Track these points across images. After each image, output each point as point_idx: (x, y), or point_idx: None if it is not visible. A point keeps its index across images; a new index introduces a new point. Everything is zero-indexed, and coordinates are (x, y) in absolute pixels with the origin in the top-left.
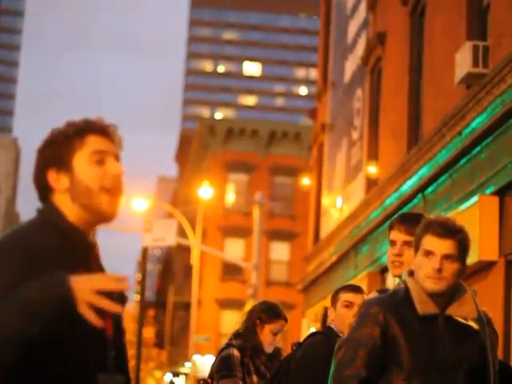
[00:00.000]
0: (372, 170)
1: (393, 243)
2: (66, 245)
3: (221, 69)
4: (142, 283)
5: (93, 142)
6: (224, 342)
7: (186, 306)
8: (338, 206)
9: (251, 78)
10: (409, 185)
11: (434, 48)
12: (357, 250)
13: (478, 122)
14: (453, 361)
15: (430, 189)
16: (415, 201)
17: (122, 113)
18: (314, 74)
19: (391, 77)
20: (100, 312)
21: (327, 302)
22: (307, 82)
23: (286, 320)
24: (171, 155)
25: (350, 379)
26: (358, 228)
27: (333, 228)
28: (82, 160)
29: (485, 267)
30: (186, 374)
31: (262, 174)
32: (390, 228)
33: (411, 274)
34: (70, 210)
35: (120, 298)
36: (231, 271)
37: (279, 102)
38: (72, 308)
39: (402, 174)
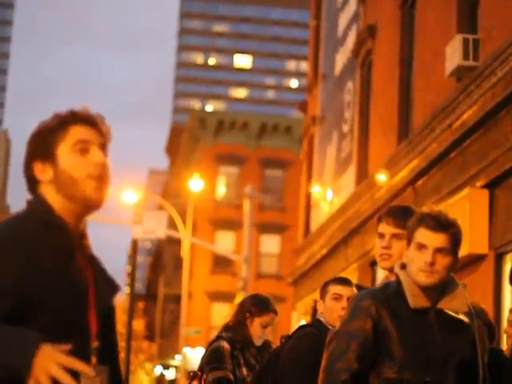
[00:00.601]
0: (362, 162)
1: (381, 236)
2: (51, 236)
3: (212, 61)
4: (132, 275)
5: (76, 132)
6: (214, 334)
7: (177, 299)
8: (328, 198)
9: (242, 70)
10: (399, 178)
11: (425, 41)
12: (347, 242)
13: (469, 115)
14: (444, 354)
15: (420, 182)
16: (405, 194)
17: (112, 105)
18: (304, 66)
19: (381, 70)
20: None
21: (317, 295)
22: (298, 74)
23: (276, 313)
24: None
25: (342, 372)
26: (348, 221)
27: (323, 221)
28: (65, 150)
29: (475, 260)
30: (176, 367)
31: (253, 167)
32: (379, 221)
33: (403, 267)
34: (55, 200)
35: (111, 287)
36: (221, 264)
37: (270, 94)
38: (22, 377)
39: (392, 167)
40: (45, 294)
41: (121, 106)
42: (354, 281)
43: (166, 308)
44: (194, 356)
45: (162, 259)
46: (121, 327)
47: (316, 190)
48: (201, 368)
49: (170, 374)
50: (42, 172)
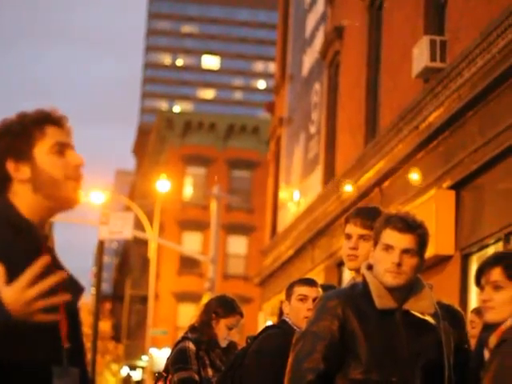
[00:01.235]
0: (329, 163)
1: (348, 237)
2: (18, 239)
3: (179, 62)
4: (98, 276)
5: (53, 133)
6: (181, 335)
7: (143, 300)
8: (295, 199)
9: (210, 71)
10: (366, 178)
11: (392, 42)
12: (314, 243)
13: (435, 117)
14: (410, 355)
15: (387, 183)
16: (372, 195)
17: (79, 105)
18: (272, 67)
19: (349, 71)
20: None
21: (284, 296)
22: (266, 75)
23: (242, 315)
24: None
25: (308, 372)
26: (315, 221)
27: (290, 222)
28: (44, 151)
29: (441, 261)
30: (142, 368)
31: (220, 168)
32: (346, 221)
33: (370, 267)
34: (29, 199)
35: (75, 289)
36: (188, 265)
37: (238, 95)
38: (23, 325)
39: (359, 168)
40: None
41: (88, 106)
42: (321, 282)
43: (132, 309)
44: (160, 357)
45: (128, 260)
46: (87, 328)
47: (285, 193)
48: (166, 369)
49: (136, 375)
50: (16, 171)
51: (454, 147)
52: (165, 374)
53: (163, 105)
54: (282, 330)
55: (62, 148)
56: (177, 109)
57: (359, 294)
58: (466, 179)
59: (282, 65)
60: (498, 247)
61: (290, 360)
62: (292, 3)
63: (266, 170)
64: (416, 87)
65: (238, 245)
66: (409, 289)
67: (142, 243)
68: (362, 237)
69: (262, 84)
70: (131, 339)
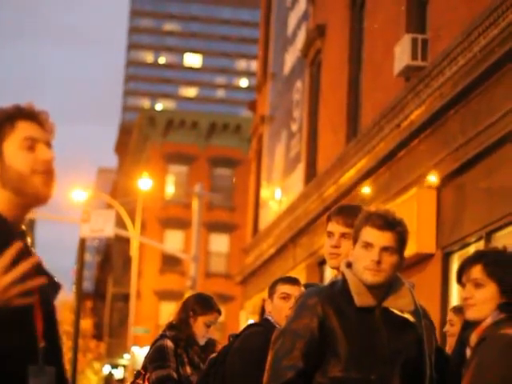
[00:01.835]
0: (311, 161)
1: (330, 235)
2: None
3: (162, 60)
4: (80, 274)
5: (23, 128)
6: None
7: (125, 298)
8: (277, 197)
9: (192, 69)
10: (347, 177)
11: (374, 41)
12: (295, 241)
13: (417, 115)
14: (390, 352)
15: (369, 181)
16: (354, 193)
17: (62, 103)
18: (255, 66)
19: (331, 69)
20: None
21: (266, 294)
22: (248, 74)
23: (220, 312)
24: (111, 146)
25: (288, 370)
26: (296, 220)
27: (272, 220)
28: (13, 145)
29: (422, 259)
30: (124, 366)
31: (202, 166)
32: (328, 220)
33: (349, 265)
34: (0, 195)
35: (52, 286)
36: (170, 263)
37: (220, 93)
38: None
39: (340, 167)
40: None
41: (71, 104)
42: (302, 280)
43: (114, 307)
44: (142, 355)
45: (110, 258)
46: (68, 326)
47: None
48: (144, 367)
49: (118, 373)
50: None
51: (436, 146)
52: (143, 372)
53: (145, 103)
54: (264, 328)
55: (32, 143)
56: (159, 107)
57: (339, 291)
58: (448, 178)
59: (264, 63)
60: (480, 246)
61: (269, 358)
62: (274, 1)
63: (248, 168)
64: (398, 85)
65: (219, 243)
66: (388, 287)
67: (124, 241)
68: (343, 235)
69: (244, 82)
70: (113, 337)
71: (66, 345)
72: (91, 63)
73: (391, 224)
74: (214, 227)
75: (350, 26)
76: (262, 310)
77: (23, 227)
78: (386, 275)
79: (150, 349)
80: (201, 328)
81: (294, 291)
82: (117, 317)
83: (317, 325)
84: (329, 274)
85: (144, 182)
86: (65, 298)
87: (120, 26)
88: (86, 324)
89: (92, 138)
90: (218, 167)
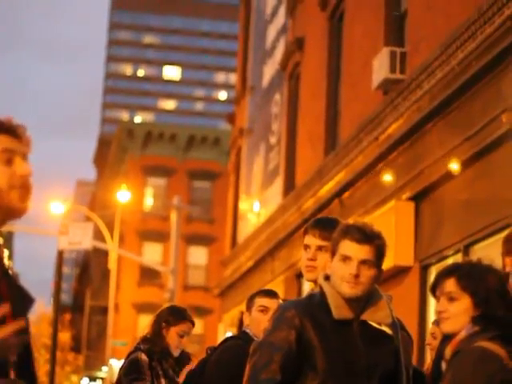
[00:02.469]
0: (289, 174)
1: (306, 248)
2: None
3: (141, 73)
4: (58, 287)
5: (1, 141)
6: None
7: (104, 310)
8: (255, 210)
9: (171, 82)
10: (326, 189)
11: (352, 54)
12: (273, 254)
13: (395, 128)
14: (367, 365)
15: (347, 194)
16: (332, 206)
17: (40, 115)
18: (233, 78)
19: (309, 82)
20: None
21: (244, 307)
22: (227, 86)
23: (193, 323)
24: (90, 158)
25: (266, 383)
26: (275, 232)
27: (250, 232)
28: None
29: (400, 272)
30: (102, 379)
31: (181, 178)
32: (305, 233)
33: (327, 278)
34: None
35: (25, 300)
36: (149, 275)
37: (199, 106)
38: None
39: (319, 179)
40: None
41: (49, 116)
42: (281, 293)
43: (92, 320)
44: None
45: (89, 271)
46: (46, 339)
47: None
48: (119, 380)
49: None
50: None
51: (414, 159)
52: None
53: (124, 115)
54: (242, 340)
55: (10, 156)
56: (138, 119)
57: (316, 304)
58: (426, 191)
59: (243, 76)
60: (457, 258)
61: (247, 371)
62: (253, 14)
63: (227, 180)
64: (376, 99)
65: (198, 255)
66: (366, 299)
67: (103, 254)
68: (320, 248)
69: (223, 95)
70: (91, 350)
71: (44, 357)
72: (70, 76)
73: (369, 237)
74: (192, 240)
75: (329, 39)
76: (241, 323)
77: (0, 240)
78: (364, 288)
79: (125, 362)
80: (174, 338)
81: (273, 304)
82: (95, 329)
83: (294, 337)
84: (307, 287)
85: (122, 195)
86: (43, 311)
87: (99, 38)
88: (64, 337)
89: (70, 151)
90: (196, 180)
